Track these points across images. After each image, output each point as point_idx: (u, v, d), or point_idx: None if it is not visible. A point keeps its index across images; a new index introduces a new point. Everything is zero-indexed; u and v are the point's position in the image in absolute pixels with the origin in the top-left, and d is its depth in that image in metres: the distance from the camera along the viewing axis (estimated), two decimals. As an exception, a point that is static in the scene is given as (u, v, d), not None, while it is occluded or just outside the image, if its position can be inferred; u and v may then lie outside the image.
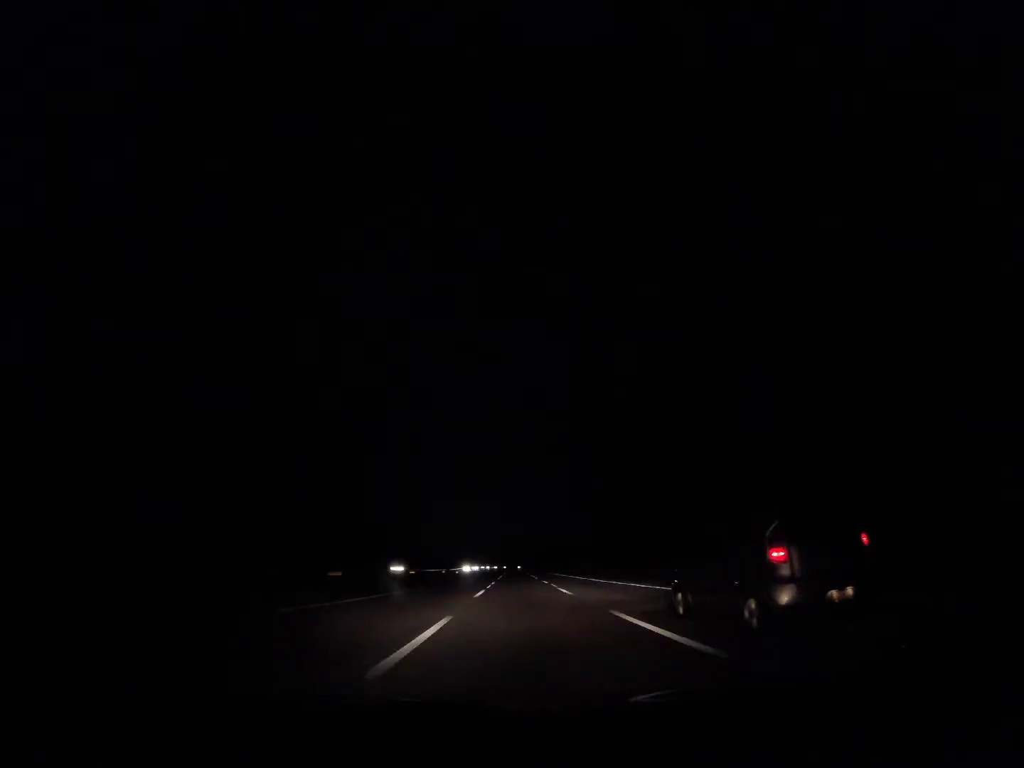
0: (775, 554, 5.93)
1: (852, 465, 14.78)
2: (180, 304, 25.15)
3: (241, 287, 29.99)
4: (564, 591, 16.82)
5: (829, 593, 5.76)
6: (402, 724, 1.62)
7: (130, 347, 22.23)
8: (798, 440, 17.97)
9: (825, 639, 5.41)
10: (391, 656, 4.91)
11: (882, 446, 14.70)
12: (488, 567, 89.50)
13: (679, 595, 7.97)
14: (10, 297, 17.90)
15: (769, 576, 5.90)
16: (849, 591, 5.80)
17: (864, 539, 6.27)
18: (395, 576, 30.41)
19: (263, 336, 31.34)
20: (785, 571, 5.84)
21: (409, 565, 36.51)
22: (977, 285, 14.82)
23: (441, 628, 7.20)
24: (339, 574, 25.73)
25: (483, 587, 20.48)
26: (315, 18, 23.59)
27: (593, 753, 1.27)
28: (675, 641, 5.61)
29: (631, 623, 7.42)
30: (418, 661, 4.81)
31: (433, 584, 27.90)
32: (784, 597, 5.73)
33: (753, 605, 6.04)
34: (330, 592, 16.95)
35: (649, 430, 42.04)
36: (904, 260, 17.15)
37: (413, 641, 5.90)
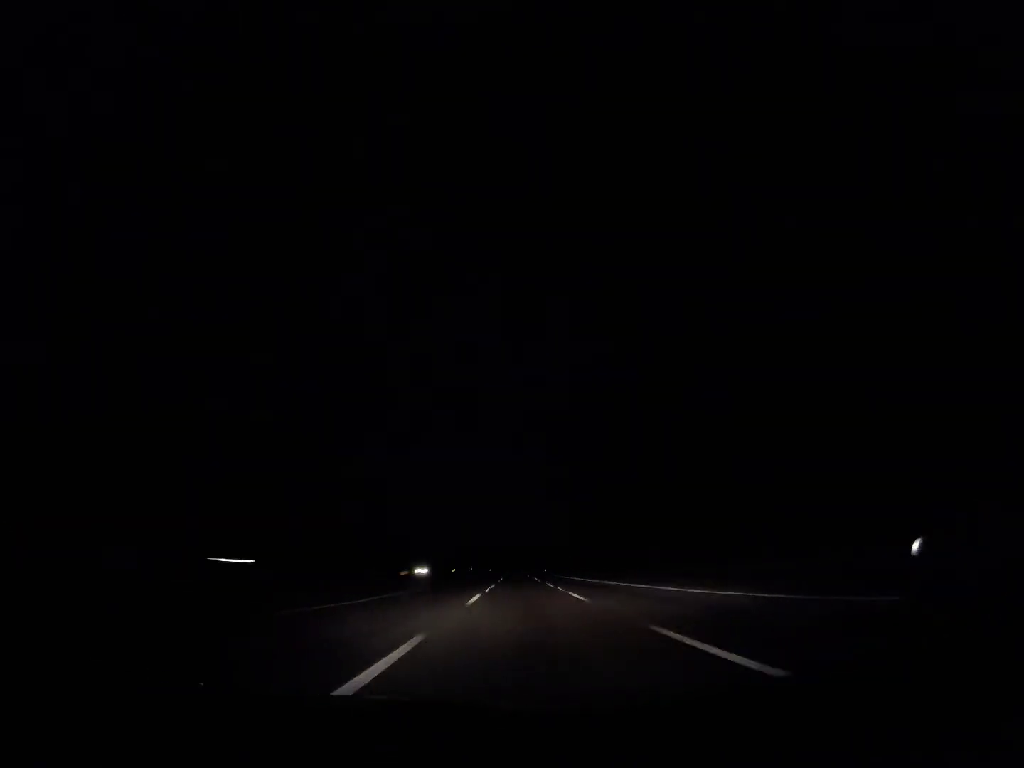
0: None
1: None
2: (185, 310, 25.18)
3: (242, 291, 30.06)
4: (578, 597, 13.89)
5: None
6: (401, 724, 1.62)
7: (151, 352, 22.28)
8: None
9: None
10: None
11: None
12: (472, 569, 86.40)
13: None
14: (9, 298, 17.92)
15: None
16: None
17: None
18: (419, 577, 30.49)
19: (260, 342, 31.47)
20: None
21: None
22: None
23: (434, 634, 7.15)
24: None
25: (482, 589, 20.41)
26: (315, 18, 23.63)
27: (592, 754, 1.27)
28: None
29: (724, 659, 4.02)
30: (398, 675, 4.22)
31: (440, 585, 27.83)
32: None
33: None
34: (331, 592, 16.97)
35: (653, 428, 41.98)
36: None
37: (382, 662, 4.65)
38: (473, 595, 16.29)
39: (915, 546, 4.58)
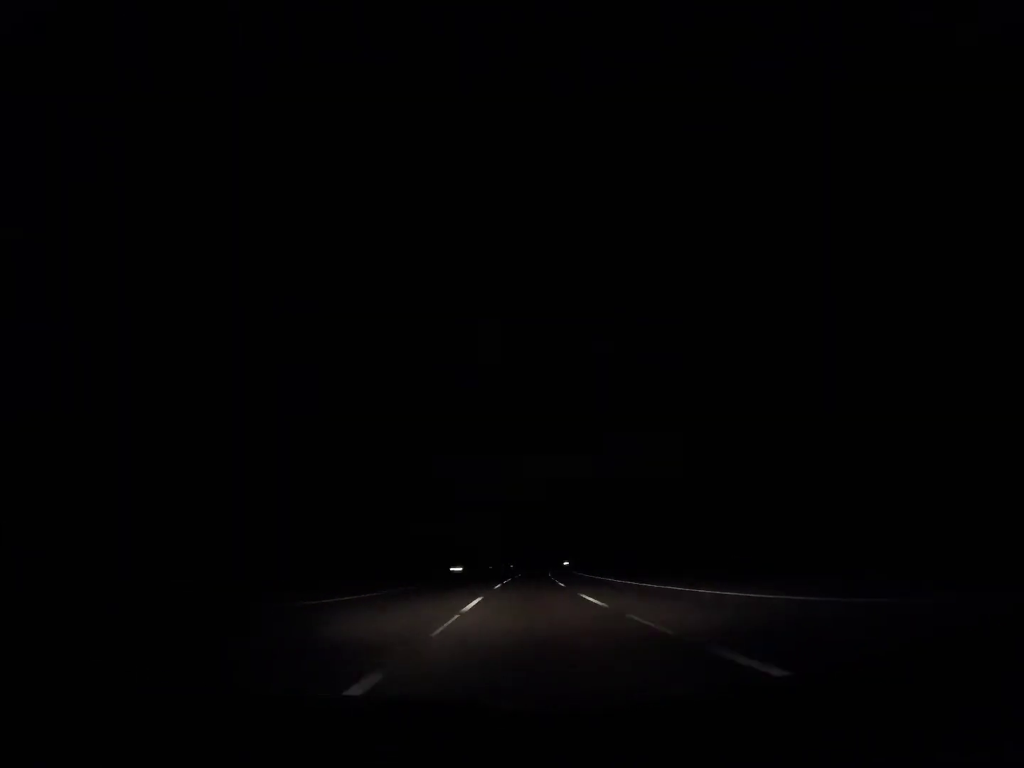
0: None
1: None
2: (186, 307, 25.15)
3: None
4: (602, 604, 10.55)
5: None
6: (400, 724, 1.62)
7: (147, 350, 22.35)
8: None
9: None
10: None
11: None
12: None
13: None
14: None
15: None
16: None
17: None
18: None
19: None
20: None
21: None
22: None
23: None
24: None
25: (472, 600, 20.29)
26: (314, 21, 23.60)
27: (592, 754, 1.27)
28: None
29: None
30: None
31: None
32: None
33: None
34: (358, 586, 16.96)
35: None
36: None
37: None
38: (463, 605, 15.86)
39: None
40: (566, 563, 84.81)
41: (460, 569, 41.41)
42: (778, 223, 26.35)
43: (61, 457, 18.09)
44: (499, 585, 22.99)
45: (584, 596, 13.04)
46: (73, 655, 5.42)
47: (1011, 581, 8.52)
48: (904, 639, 4.74)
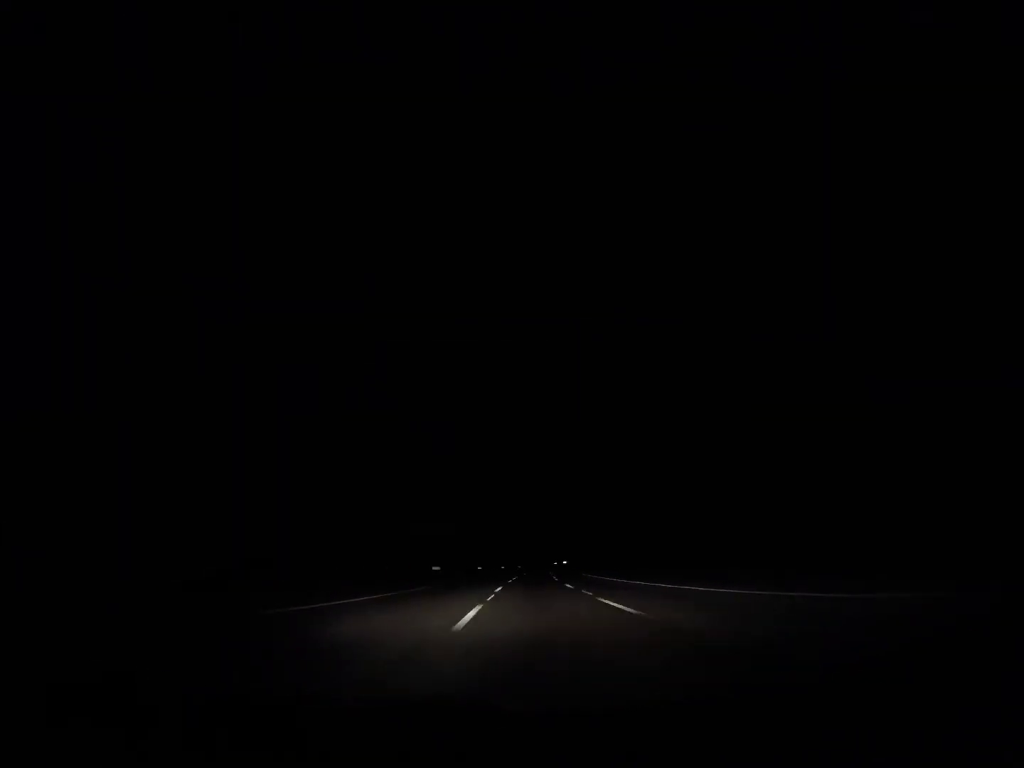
0: None
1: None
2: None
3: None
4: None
5: None
6: (401, 724, 1.62)
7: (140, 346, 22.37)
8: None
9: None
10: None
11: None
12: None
13: None
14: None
15: None
16: None
17: None
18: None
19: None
20: None
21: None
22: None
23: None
24: None
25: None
26: (313, 21, 23.60)
27: (592, 753, 1.27)
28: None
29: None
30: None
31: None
32: None
33: None
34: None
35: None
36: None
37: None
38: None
39: None
40: (564, 562, 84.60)
41: (438, 568, 41.25)
42: (778, 223, 26.43)
43: (61, 457, 18.08)
44: (500, 588, 22.89)
45: (604, 600, 11.84)
46: (73, 655, 5.42)
47: (1011, 580, 8.51)
48: (904, 639, 4.77)
